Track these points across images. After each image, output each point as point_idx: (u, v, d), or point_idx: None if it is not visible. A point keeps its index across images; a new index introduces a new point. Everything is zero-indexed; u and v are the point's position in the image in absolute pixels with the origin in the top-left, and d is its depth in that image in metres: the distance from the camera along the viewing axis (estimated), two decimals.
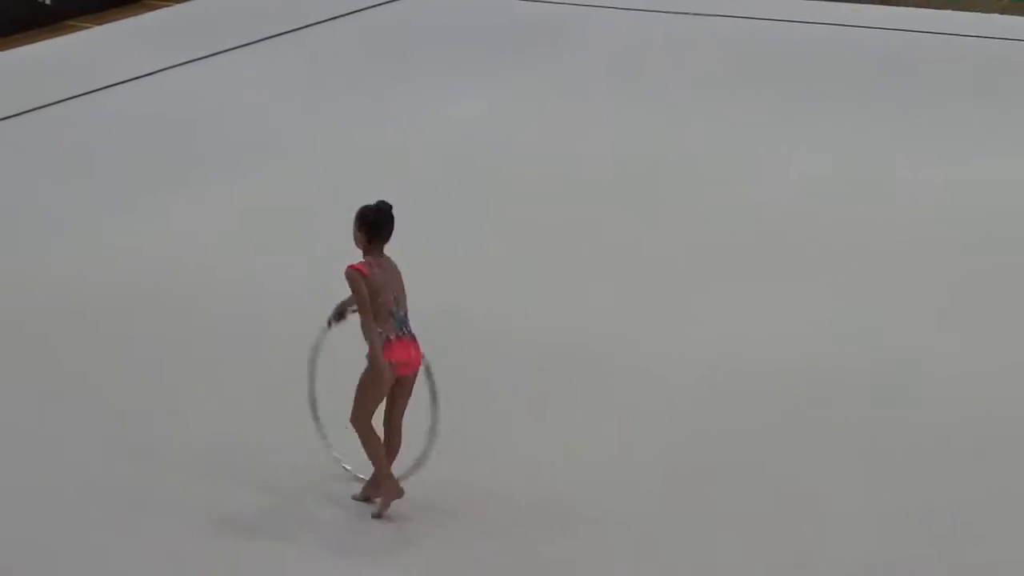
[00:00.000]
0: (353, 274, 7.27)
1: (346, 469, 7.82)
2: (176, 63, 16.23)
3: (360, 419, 7.42)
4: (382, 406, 7.53)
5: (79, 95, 15.13)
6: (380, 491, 7.55)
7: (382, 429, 7.55)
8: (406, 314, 7.40)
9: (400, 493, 7.51)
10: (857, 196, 12.48)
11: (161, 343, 9.67)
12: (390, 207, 7.40)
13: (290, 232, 11.63)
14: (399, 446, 7.59)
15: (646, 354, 9.53)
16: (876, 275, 10.87)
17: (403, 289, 7.41)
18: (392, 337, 7.30)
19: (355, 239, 7.43)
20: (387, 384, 7.36)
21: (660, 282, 10.70)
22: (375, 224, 7.35)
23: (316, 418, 7.81)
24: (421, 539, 7.46)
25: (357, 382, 7.41)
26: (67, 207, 12.08)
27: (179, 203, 12.23)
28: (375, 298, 7.26)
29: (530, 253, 11.15)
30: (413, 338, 7.42)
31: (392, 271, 7.41)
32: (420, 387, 7.56)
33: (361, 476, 7.72)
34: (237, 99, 15.18)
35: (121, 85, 15.55)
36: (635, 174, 12.99)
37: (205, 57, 16.51)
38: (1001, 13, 18.47)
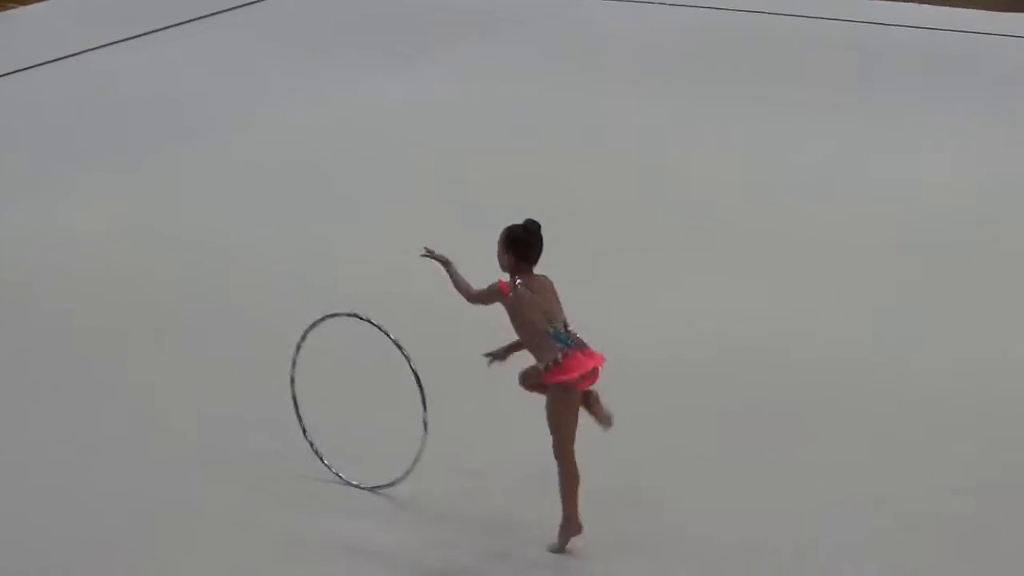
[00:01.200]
0: (494, 288, 7.06)
1: (339, 477, 7.61)
2: (107, 42, 15.91)
3: (564, 450, 7.04)
4: None
5: (6, 74, 14.88)
6: (565, 527, 7.20)
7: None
8: (566, 327, 7.05)
9: (580, 530, 7.18)
10: (812, 192, 12.40)
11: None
12: (539, 226, 7.10)
13: (226, 213, 11.42)
14: (577, 477, 7.19)
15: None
16: (829, 268, 10.82)
17: (558, 305, 7.07)
18: (560, 358, 6.94)
19: (500, 259, 7.12)
20: (577, 404, 7.05)
21: (606, 273, 10.55)
22: (524, 243, 7.05)
23: (303, 428, 7.61)
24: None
25: (546, 413, 7.05)
26: None
27: (108, 183, 12.02)
28: (524, 320, 6.99)
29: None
30: (581, 348, 7.03)
31: (545, 291, 7.08)
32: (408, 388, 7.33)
33: (355, 483, 7.52)
34: (170, 79, 14.90)
35: (49, 64, 15.23)
36: (577, 161, 12.86)
37: (137, 36, 16.22)
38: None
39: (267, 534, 7.21)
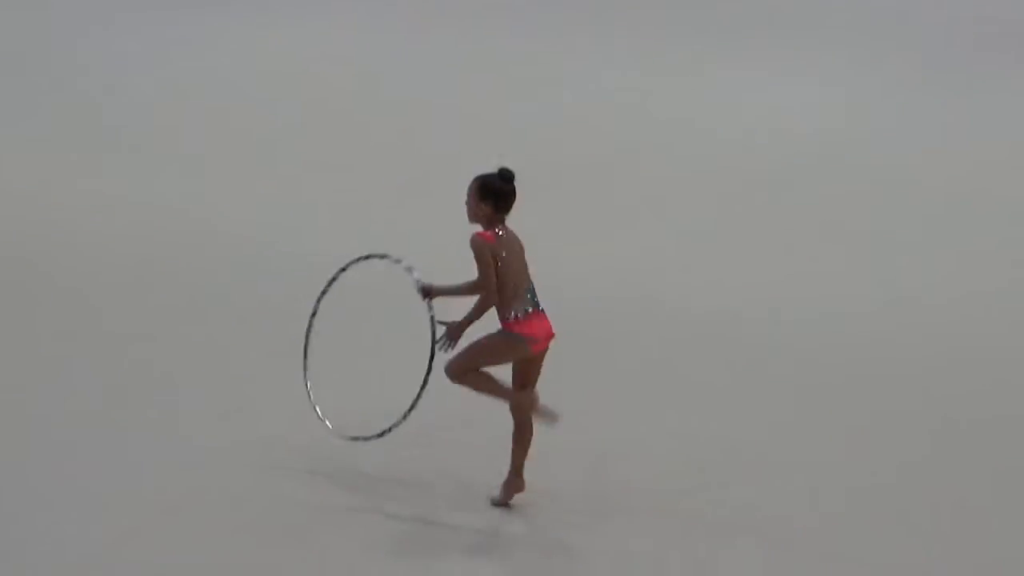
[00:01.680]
0: (481, 243, 6.79)
1: (327, 425, 7.31)
2: None
3: (459, 371, 6.88)
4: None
5: None
6: (508, 484, 7.08)
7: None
8: (533, 287, 6.93)
9: (522, 487, 7.05)
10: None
11: None
12: (513, 174, 6.89)
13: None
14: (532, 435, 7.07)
15: None
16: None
17: (525, 261, 6.94)
18: (529, 310, 6.84)
19: (472, 212, 6.90)
20: (516, 358, 6.90)
21: None
22: (500, 193, 6.84)
23: (306, 383, 7.32)
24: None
25: (477, 341, 6.89)
26: None
27: None
28: (505, 272, 6.80)
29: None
30: (543, 312, 6.93)
31: (516, 242, 6.92)
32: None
33: (355, 434, 7.20)
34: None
35: None
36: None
37: None
38: None
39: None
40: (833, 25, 14.71)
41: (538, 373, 7.01)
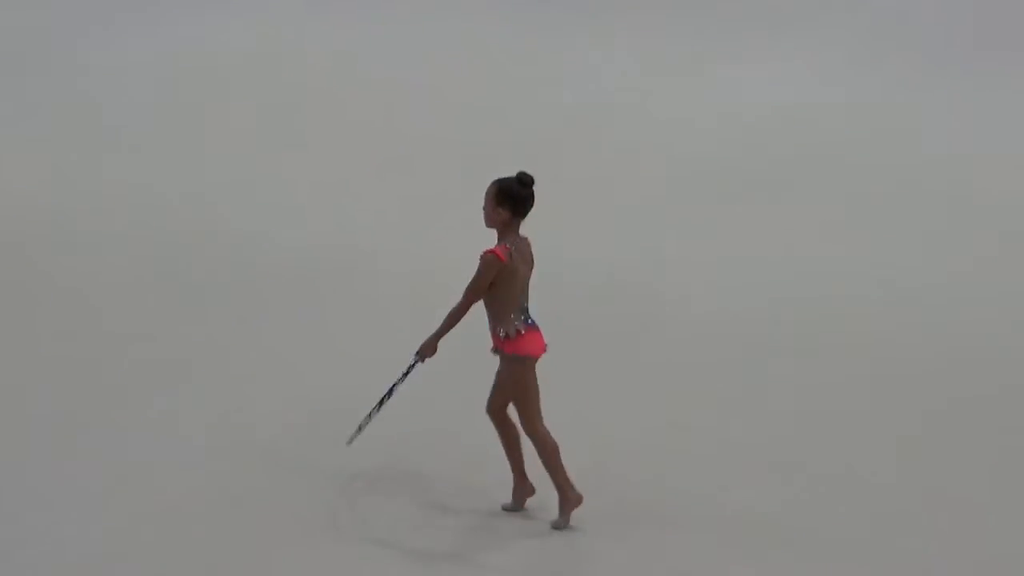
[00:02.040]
0: (490, 262, 6.69)
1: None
2: None
3: (535, 424, 6.84)
4: None
5: None
6: (565, 502, 6.94)
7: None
8: (527, 303, 6.88)
9: (580, 499, 6.94)
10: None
11: None
12: (532, 179, 6.77)
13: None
14: (519, 437, 7.01)
15: None
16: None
17: (529, 276, 6.86)
18: (523, 331, 6.77)
19: (489, 217, 6.78)
20: (534, 373, 6.82)
21: None
22: (518, 198, 6.74)
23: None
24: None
25: (504, 388, 6.86)
26: None
27: None
28: (506, 286, 6.72)
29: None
30: (538, 327, 6.87)
31: (526, 257, 6.84)
32: None
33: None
34: None
35: None
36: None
37: None
38: None
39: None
40: (833, 24, 14.85)
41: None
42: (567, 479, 6.89)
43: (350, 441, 7.02)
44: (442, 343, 6.81)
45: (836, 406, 8.58)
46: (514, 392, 6.83)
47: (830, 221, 11.39)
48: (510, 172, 6.80)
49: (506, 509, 7.05)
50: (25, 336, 9.31)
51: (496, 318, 6.80)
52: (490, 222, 6.81)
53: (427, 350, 6.82)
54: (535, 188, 6.76)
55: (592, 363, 8.93)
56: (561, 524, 6.91)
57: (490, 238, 6.83)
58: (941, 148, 12.58)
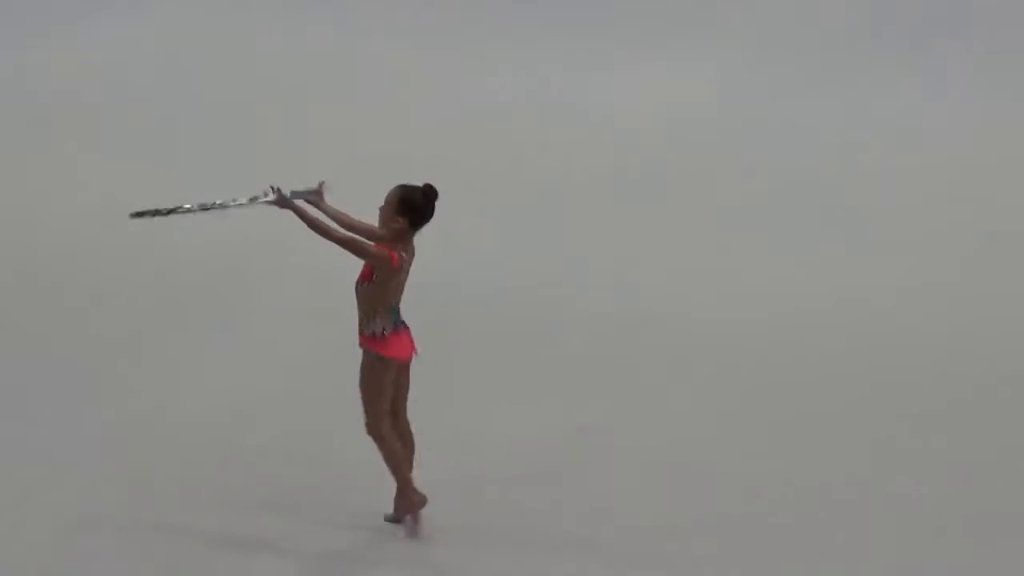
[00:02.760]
0: (385, 260, 6.64)
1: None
2: None
3: (379, 424, 6.81)
4: None
5: None
6: (406, 504, 6.92)
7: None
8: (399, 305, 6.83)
9: (425, 501, 6.90)
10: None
11: None
12: (436, 193, 6.71)
13: None
14: (413, 445, 7.00)
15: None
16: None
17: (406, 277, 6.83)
18: (388, 332, 6.75)
19: (384, 221, 6.71)
20: (391, 376, 6.80)
21: None
22: (421, 211, 6.69)
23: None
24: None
25: (362, 384, 6.84)
26: None
27: None
28: (383, 286, 6.69)
29: None
30: (407, 327, 6.86)
31: (410, 259, 6.79)
32: None
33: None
34: None
35: None
36: None
37: None
38: None
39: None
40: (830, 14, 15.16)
41: (405, 397, 7.00)
42: (409, 480, 6.87)
43: (136, 215, 6.69)
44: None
45: (739, 407, 8.78)
46: (366, 388, 6.76)
47: (725, 224, 11.66)
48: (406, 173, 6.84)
49: (388, 520, 7.03)
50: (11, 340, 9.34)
51: (367, 314, 6.74)
52: (383, 226, 6.73)
53: (283, 202, 6.65)
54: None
55: (490, 366, 9.10)
56: (408, 525, 6.91)
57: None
58: (942, 142, 13.03)
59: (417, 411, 7.15)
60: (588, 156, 12.64)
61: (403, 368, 6.91)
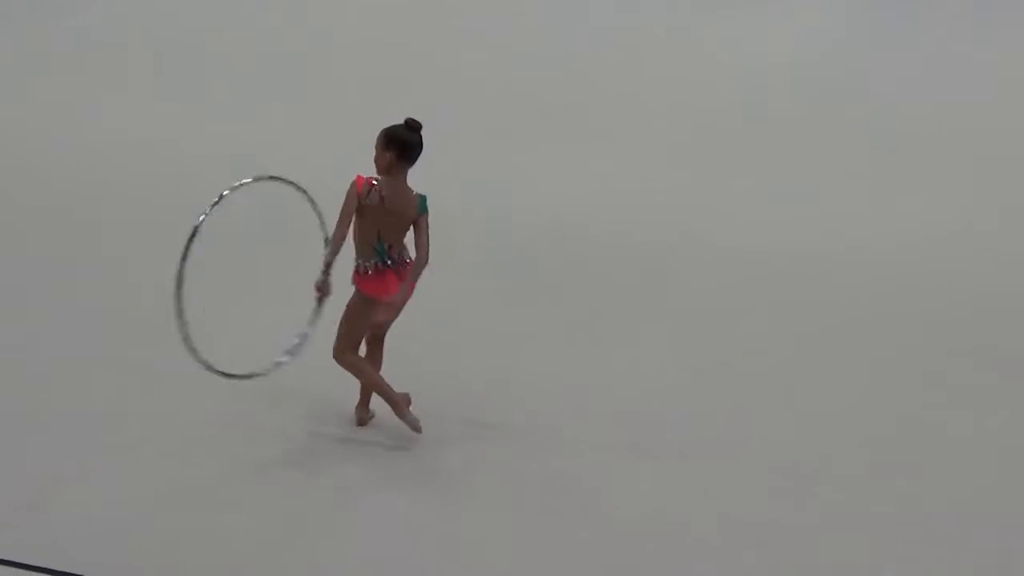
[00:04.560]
0: (350, 187, 6.88)
1: (222, 372, 6.81)
2: None
3: (344, 351, 7.11)
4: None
5: None
6: (397, 407, 7.18)
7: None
8: (392, 248, 7.01)
9: (408, 398, 7.29)
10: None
11: None
12: (420, 125, 6.97)
13: None
14: (379, 366, 7.33)
15: None
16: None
17: (402, 226, 6.97)
18: (370, 271, 6.99)
19: (376, 160, 6.96)
20: (367, 311, 7.08)
21: None
22: (403, 142, 6.90)
23: (180, 316, 6.50)
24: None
25: (344, 314, 7.08)
26: None
27: None
28: (359, 221, 6.90)
29: None
30: (396, 271, 7.01)
31: (398, 208, 6.92)
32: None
33: (237, 373, 6.79)
34: None
35: None
36: None
37: None
38: None
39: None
40: None
41: (385, 332, 7.25)
42: (384, 384, 7.12)
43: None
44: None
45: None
46: (346, 318, 7.05)
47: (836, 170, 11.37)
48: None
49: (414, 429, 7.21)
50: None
51: (357, 249, 7.03)
52: (376, 165, 6.98)
53: (323, 288, 6.92)
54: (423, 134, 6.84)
55: (605, 300, 8.97)
56: (409, 420, 7.14)
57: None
58: (965, 86, 13.01)
59: (557, 344, 7.95)
60: (716, 95, 12.68)
61: (389, 309, 7.10)
